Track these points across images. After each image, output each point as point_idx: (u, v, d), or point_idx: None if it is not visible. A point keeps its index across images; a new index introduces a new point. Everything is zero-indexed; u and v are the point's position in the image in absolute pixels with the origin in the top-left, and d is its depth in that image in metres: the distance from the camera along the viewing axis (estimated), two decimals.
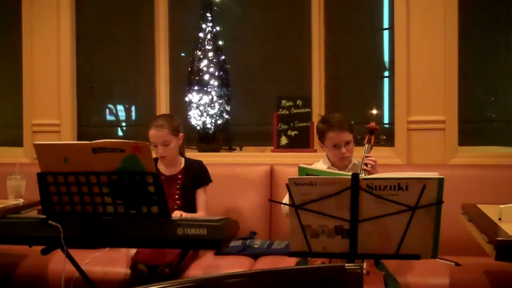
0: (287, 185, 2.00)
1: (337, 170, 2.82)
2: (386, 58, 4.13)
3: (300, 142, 3.94)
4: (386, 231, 2.00)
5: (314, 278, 0.90)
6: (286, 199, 2.81)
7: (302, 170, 2.12)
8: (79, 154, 2.29)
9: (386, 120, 4.14)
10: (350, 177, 1.94)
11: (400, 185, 1.94)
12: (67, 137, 4.20)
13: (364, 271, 2.35)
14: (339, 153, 2.87)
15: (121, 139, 2.34)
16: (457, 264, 2.72)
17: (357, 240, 2.00)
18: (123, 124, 4.65)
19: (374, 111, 4.17)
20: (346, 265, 0.92)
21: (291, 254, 2.09)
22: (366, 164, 2.77)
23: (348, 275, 0.89)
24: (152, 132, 3.13)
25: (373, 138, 2.89)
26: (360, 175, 1.95)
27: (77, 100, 4.36)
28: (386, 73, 4.12)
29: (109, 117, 4.60)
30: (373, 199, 1.96)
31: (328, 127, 2.86)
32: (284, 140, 3.97)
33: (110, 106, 4.61)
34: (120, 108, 4.61)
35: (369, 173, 2.72)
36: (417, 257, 2.03)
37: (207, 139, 4.05)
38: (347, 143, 2.87)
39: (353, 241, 2.01)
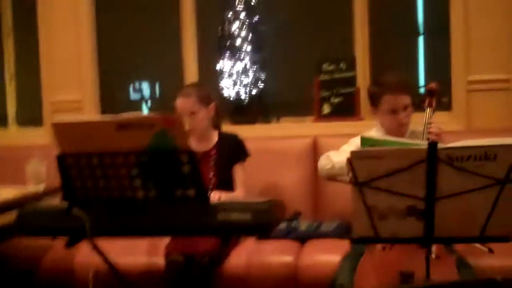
0: (348, 160, 1.79)
1: None
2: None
3: (345, 110, 3.80)
4: (469, 209, 1.79)
5: None
6: (336, 156, 2.66)
7: (365, 141, 1.91)
8: (103, 133, 2.12)
9: (421, 81, 4.02)
10: (426, 147, 1.73)
11: (487, 154, 1.72)
12: (90, 114, 4.11)
13: (433, 255, 2.17)
14: (397, 119, 2.68)
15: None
16: (490, 251, 2.41)
17: (434, 221, 1.80)
18: (148, 101, 4.59)
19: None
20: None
21: (354, 240, 1.92)
22: (429, 132, 2.59)
23: None
24: (178, 101, 3.01)
25: (434, 101, 2.68)
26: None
27: (99, 75, 4.26)
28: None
29: (134, 95, 4.57)
30: (454, 173, 1.74)
31: (383, 90, 2.68)
32: (326, 109, 3.84)
33: (135, 82, 4.55)
34: (145, 84, 4.58)
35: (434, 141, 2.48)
36: (506, 239, 1.82)
37: (241, 111, 3.99)
38: (405, 107, 2.68)
39: (429, 223, 1.80)
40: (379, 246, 2.33)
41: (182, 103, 2.98)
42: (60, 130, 2.16)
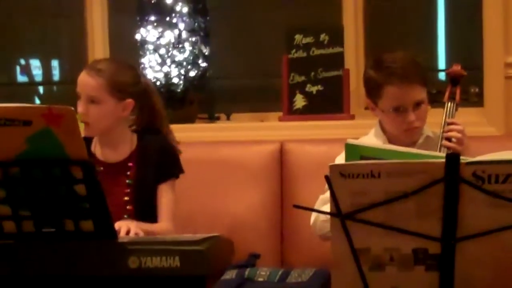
0: (327, 177, 1.75)
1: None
2: None
3: (328, 104, 3.84)
4: (505, 255, 1.80)
5: None
6: (319, 203, 2.71)
7: (353, 150, 1.87)
8: None
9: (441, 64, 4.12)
10: (443, 160, 1.71)
11: None
12: None
13: None
14: (404, 121, 2.71)
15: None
16: None
17: (454, 273, 1.79)
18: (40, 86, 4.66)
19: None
20: None
21: None
22: (448, 138, 2.64)
23: None
24: (81, 76, 2.96)
25: (458, 92, 2.74)
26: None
27: None
28: None
29: (22, 78, 4.64)
30: (485, 200, 1.74)
31: (385, 78, 2.70)
32: (300, 101, 3.85)
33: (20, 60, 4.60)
34: (35, 62, 4.64)
35: (455, 152, 2.55)
36: None
37: (173, 103, 3.93)
38: (418, 104, 2.71)
39: (448, 275, 1.79)
40: None
41: (84, 79, 2.94)
42: None
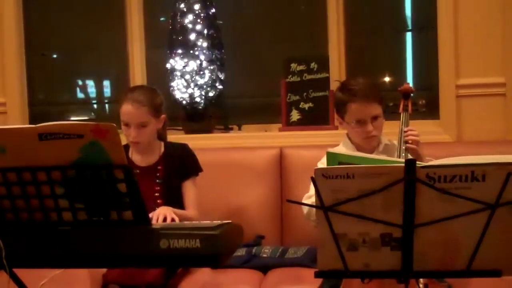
0: (312, 178, 1.75)
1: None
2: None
3: (317, 117, 3.82)
4: (454, 239, 1.77)
5: None
6: (308, 198, 2.68)
7: (332, 157, 1.87)
8: (21, 143, 2.07)
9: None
10: (403, 165, 1.70)
11: (474, 174, 1.68)
12: (16, 119, 4.01)
13: (421, 285, 2.19)
14: (364, 131, 2.73)
15: (81, 121, 2.11)
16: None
17: (413, 252, 1.78)
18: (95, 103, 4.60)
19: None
20: None
21: (320, 274, 1.85)
22: (405, 141, 2.62)
23: None
24: (127, 108, 2.93)
25: (410, 105, 2.73)
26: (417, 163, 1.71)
27: (28, 73, 4.22)
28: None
29: (81, 95, 4.60)
30: (436, 195, 1.72)
31: (349, 97, 2.72)
32: (295, 115, 3.85)
33: (78, 81, 4.55)
34: (88, 82, 4.61)
35: (413, 153, 2.59)
36: (497, 273, 1.79)
37: (196, 117, 3.92)
38: (375, 117, 2.73)
39: (408, 254, 1.78)
40: (355, 283, 2.27)
41: (132, 111, 2.91)
42: None
